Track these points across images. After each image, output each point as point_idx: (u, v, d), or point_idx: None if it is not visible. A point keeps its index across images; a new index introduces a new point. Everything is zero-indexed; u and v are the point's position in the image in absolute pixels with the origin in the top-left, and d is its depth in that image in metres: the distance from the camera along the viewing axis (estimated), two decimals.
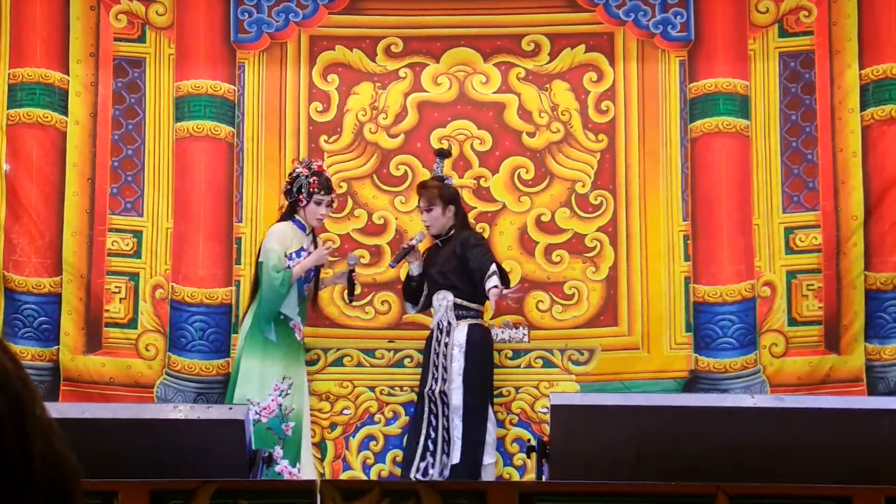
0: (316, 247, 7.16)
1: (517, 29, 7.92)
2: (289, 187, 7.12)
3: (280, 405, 6.87)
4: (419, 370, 7.39)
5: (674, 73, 7.82)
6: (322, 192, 7.08)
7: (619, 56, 7.87)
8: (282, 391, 6.93)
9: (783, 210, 7.70)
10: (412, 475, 6.93)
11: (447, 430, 6.96)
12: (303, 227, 7.13)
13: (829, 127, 7.69)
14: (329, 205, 7.17)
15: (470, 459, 6.92)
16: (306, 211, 7.10)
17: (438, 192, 7.17)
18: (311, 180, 7.06)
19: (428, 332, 7.26)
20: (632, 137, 7.82)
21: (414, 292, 7.31)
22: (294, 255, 7.04)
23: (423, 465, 6.97)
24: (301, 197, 7.06)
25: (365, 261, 7.74)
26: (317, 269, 7.18)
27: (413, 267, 7.26)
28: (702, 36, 7.82)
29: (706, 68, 7.78)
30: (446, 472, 6.89)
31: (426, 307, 7.34)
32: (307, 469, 6.94)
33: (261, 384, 6.91)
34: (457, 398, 6.96)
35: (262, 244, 7.12)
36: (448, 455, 6.93)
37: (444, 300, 7.14)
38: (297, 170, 7.14)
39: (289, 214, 7.16)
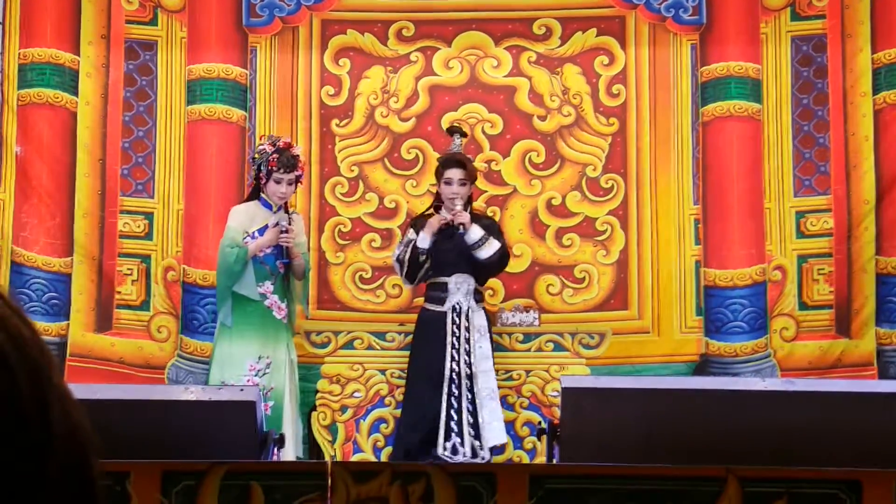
0: (290, 223, 7.02)
1: (528, 13, 7.91)
2: (253, 165, 7.08)
3: (256, 385, 6.71)
4: None
5: (685, 56, 7.81)
6: (282, 171, 6.93)
7: (631, 40, 7.86)
8: (258, 371, 6.86)
9: (794, 194, 7.69)
10: (441, 454, 6.90)
11: (472, 412, 6.95)
12: (268, 206, 7.03)
13: (841, 111, 7.68)
14: (292, 183, 7.00)
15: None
16: (267, 189, 6.99)
17: (475, 171, 7.21)
18: (271, 158, 6.93)
19: (423, 312, 7.26)
20: (643, 121, 7.81)
21: (421, 266, 7.15)
22: (256, 234, 6.95)
23: (448, 444, 6.95)
24: (261, 175, 6.99)
25: (377, 245, 7.75)
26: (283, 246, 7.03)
27: (424, 239, 7.10)
28: (714, 19, 7.80)
29: (718, 52, 7.76)
30: (483, 454, 6.88)
31: (419, 283, 7.29)
32: (290, 449, 6.84)
33: (235, 365, 6.88)
34: (489, 381, 7.00)
35: None
36: (477, 437, 6.92)
37: (464, 283, 7.12)
38: (261, 146, 7.07)
39: (255, 193, 7.09)
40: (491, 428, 6.94)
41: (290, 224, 6.96)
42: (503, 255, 7.16)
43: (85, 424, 0.92)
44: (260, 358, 6.90)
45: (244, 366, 6.88)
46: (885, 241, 7.54)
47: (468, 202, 7.21)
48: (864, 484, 3.67)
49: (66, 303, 7.60)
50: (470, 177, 7.13)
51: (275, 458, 6.36)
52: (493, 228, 7.21)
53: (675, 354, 7.64)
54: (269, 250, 6.96)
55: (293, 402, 7.02)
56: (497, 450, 6.97)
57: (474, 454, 6.91)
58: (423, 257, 7.10)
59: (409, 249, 7.11)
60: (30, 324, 0.92)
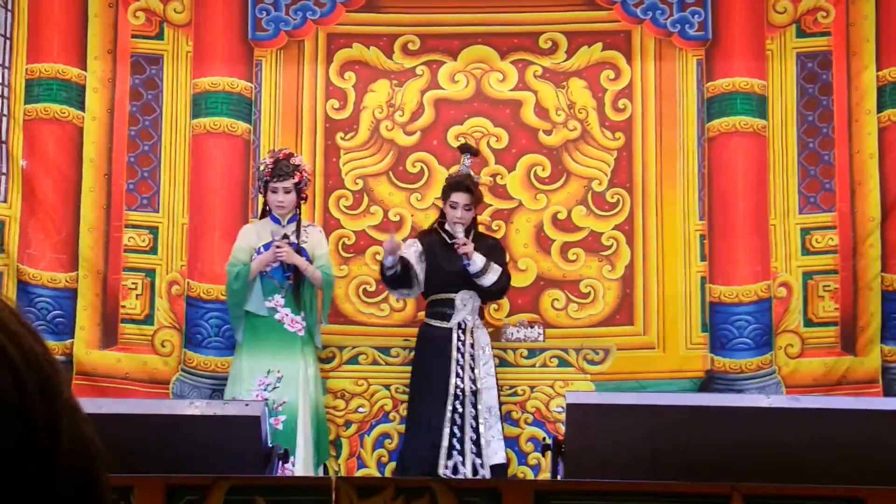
0: (298, 237, 7.03)
1: (534, 27, 7.92)
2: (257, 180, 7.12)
3: (266, 400, 6.65)
4: None
5: (691, 72, 7.81)
6: (276, 179, 6.95)
7: (637, 54, 7.86)
8: (267, 385, 6.83)
9: (800, 211, 7.69)
10: (442, 473, 6.88)
11: (475, 429, 6.94)
12: (278, 221, 7.05)
13: (846, 128, 7.68)
14: (289, 191, 6.99)
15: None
16: (267, 200, 7.04)
17: (481, 194, 7.21)
18: (268, 169, 6.98)
19: (425, 328, 7.25)
20: (648, 136, 7.81)
21: (399, 280, 7.07)
22: (262, 249, 6.97)
23: (450, 463, 6.94)
24: (260, 186, 7.04)
25: (381, 258, 7.74)
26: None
27: (388, 260, 6.99)
28: (719, 35, 7.81)
29: (723, 68, 7.77)
30: (484, 472, 6.86)
31: (416, 293, 7.26)
32: (301, 464, 6.78)
33: (244, 381, 6.86)
34: (492, 398, 7.00)
35: None
36: (479, 455, 6.91)
37: (470, 300, 7.12)
38: (262, 161, 7.13)
39: (266, 210, 7.13)
40: (492, 446, 6.92)
41: (297, 239, 6.97)
42: (501, 279, 7.12)
43: (94, 439, 0.93)
44: (269, 372, 6.87)
45: (254, 381, 6.86)
46: (890, 259, 7.53)
47: (473, 223, 7.20)
48: (869, 501, 3.66)
49: (71, 321, 7.59)
50: (475, 202, 7.15)
51: (283, 472, 6.37)
52: (496, 251, 7.19)
53: (681, 370, 7.63)
54: (275, 265, 6.97)
55: (308, 415, 6.95)
56: (498, 469, 6.92)
57: (475, 472, 6.89)
58: (390, 272, 7.01)
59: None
60: (41, 340, 0.93)
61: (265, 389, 6.83)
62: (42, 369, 0.90)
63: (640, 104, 7.85)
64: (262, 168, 7.05)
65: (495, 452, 6.93)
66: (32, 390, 0.89)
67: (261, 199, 7.39)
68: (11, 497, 0.86)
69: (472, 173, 7.27)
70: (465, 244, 7.00)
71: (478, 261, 7.03)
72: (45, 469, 0.88)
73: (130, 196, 7.74)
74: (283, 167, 6.97)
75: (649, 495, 3.73)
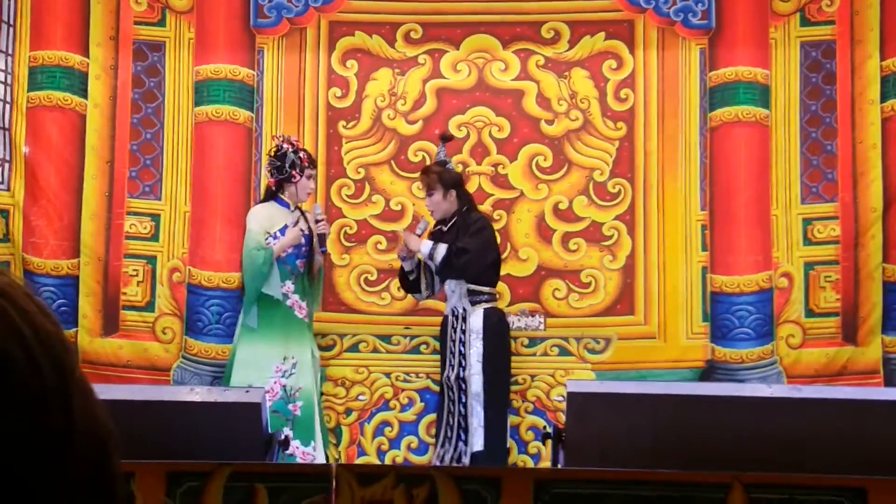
0: (307, 221, 7.11)
1: (537, 16, 7.91)
2: (279, 164, 7.09)
3: (284, 386, 6.81)
4: (435, 357, 7.41)
5: (694, 61, 7.80)
6: (311, 167, 7.13)
7: (639, 44, 7.85)
8: (284, 372, 6.89)
9: (801, 201, 7.68)
10: (432, 463, 6.93)
11: (464, 416, 6.94)
12: (286, 206, 7.11)
13: (850, 118, 7.66)
14: (315, 179, 7.24)
15: (493, 447, 6.89)
16: (297, 187, 7.06)
17: (438, 177, 7.10)
18: (301, 156, 7.07)
19: (442, 319, 7.25)
20: (651, 126, 7.80)
21: (414, 283, 7.31)
22: (278, 234, 7.01)
23: (441, 451, 6.97)
24: (294, 173, 7.06)
25: (382, 247, 7.75)
26: (310, 244, 7.12)
27: (405, 264, 7.24)
28: (723, 24, 7.79)
29: (727, 57, 7.75)
30: (465, 460, 6.86)
31: (436, 291, 7.32)
32: (321, 448, 6.91)
33: (260, 368, 6.89)
34: (477, 385, 6.93)
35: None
36: (464, 442, 6.91)
37: (457, 287, 7.10)
38: (283, 147, 7.12)
39: (271, 195, 7.15)
40: (475, 434, 6.91)
41: (322, 214, 7.08)
42: (448, 256, 7.00)
43: (105, 419, 0.94)
44: (285, 359, 6.92)
45: (270, 368, 6.88)
46: (892, 249, 7.52)
47: (465, 204, 7.14)
48: (870, 491, 3.66)
49: (76, 309, 7.60)
50: (429, 187, 7.12)
51: (304, 458, 6.39)
52: (462, 230, 7.09)
53: (681, 360, 7.63)
54: (290, 250, 7.01)
55: (318, 401, 7.03)
56: (476, 457, 6.88)
57: (458, 460, 6.89)
58: (412, 276, 7.29)
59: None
60: (53, 318, 0.93)
61: (283, 376, 6.89)
62: (54, 348, 0.91)
63: (643, 94, 7.84)
64: (299, 154, 7.06)
65: (477, 440, 6.91)
66: (45, 369, 0.89)
67: (263, 185, 7.43)
68: (25, 476, 0.86)
69: (446, 159, 7.21)
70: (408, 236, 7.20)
71: (423, 248, 7.06)
72: (58, 448, 0.88)
73: (132, 183, 7.74)
74: (312, 157, 7.18)
75: (649, 484, 3.73)
